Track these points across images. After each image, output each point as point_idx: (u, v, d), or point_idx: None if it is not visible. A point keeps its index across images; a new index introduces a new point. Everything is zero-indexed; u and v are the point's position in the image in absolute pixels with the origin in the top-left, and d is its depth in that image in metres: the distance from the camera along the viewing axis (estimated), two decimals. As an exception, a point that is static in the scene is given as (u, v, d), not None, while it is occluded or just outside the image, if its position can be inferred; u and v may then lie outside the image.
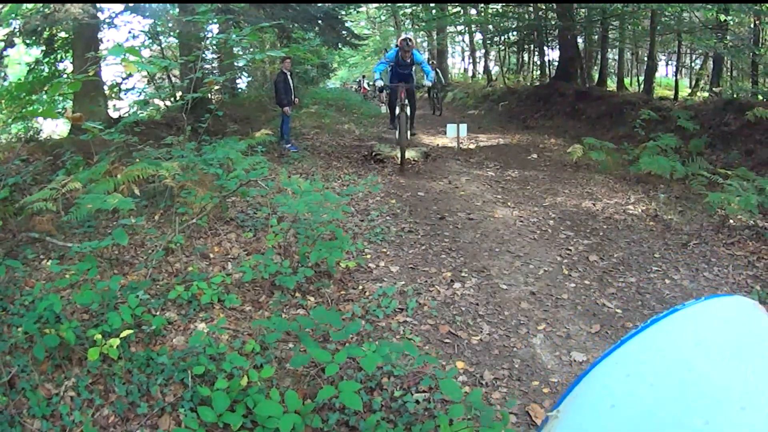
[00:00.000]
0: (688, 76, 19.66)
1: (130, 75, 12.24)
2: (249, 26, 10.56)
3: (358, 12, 27.28)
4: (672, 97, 14.10)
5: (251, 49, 16.07)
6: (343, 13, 14.51)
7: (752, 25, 12.96)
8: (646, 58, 16.43)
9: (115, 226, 5.17)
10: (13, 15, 10.46)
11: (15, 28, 10.39)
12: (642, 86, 15.99)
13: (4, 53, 10.58)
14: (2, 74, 11.80)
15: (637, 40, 18.12)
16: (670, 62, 22.44)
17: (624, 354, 1.03)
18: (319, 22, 12.98)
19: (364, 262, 5.28)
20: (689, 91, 16.07)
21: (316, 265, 4.77)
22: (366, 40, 28.00)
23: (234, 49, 9.97)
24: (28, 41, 11.42)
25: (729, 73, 14.80)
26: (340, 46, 15.85)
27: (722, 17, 11.94)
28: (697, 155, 9.01)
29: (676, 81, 15.30)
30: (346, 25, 15.02)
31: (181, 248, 4.95)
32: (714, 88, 12.96)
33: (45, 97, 11.91)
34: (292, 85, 11.30)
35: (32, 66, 12.88)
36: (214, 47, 11.74)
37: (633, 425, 0.91)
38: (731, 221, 6.27)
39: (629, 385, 0.98)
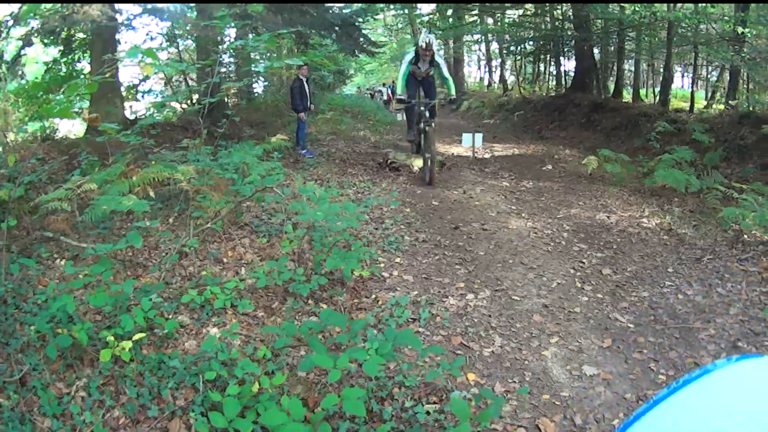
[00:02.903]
0: (705, 88, 19.57)
1: (147, 77, 12.36)
2: (267, 32, 10.70)
3: (375, 19, 27.38)
4: (688, 109, 14.04)
5: (269, 55, 16.16)
6: (360, 20, 14.54)
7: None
8: (662, 70, 16.34)
9: (130, 227, 5.24)
10: (32, 15, 10.61)
11: (33, 27, 10.51)
12: (658, 98, 15.93)
13: (22, 52, 10.67)
14: (20, 72, 11.89)
15: (654, 52, 18.08)
16: (686, 74, 22.41)
17: (654, 419, 1.03)
18: (337, 29, 13.03)
19: (377, 271, 5.30)
20: (705, 103, 15.98)
21: (329, 273, 4.80)
22: (383, 47, 28.04)
23: (251, 54, 10.01)
24: (46, 41, 11.57)
25: (745, 86, 14.72)
26: (356, 54, 15.89)
27: (740, 29, 11.87)
28: (713, 169, 8.93)
29: (692, 93, 15.23)
30: (363, 32, 15.05)
31: (194, 252, 4.99)
32: (730, 101, 12.90)
33: (62, 96, 12.06)
34: (308, 91, 11.34)
35: (50, 65, 13.07)
36: (232, 52, 11.82)
37: None
38: (746, 236, 6.22)
39: None
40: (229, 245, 5.51)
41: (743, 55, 12.19)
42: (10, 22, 10.14)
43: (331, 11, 13.09)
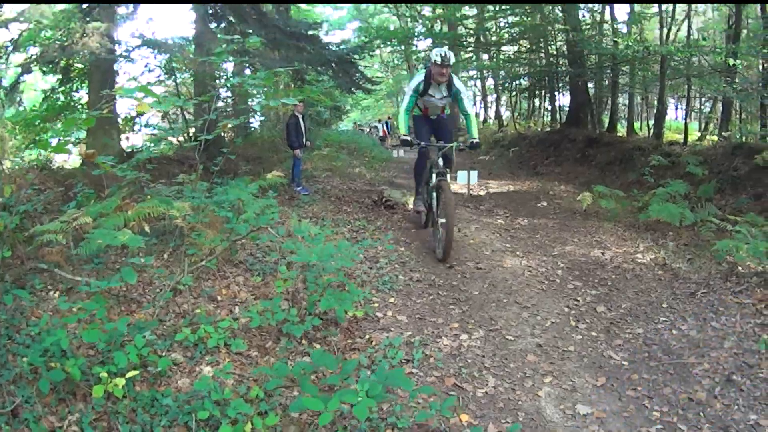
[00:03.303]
0: (698, 119, 19.80)
1: (143, 113, 12.47)
2: (263, 68, 10.86)
3: (371, 56, 27.79)
4: (682, 141, 14.23)
5: (265, 90, 16.37)
6: (357, 57, 14.73)
7: (761, 68, 13.09)
8: (656, 103, 16.56)
9: (124, 262, 5.25)
10: (32, 42, 10.77)
11: (32, 55, 10.64)
12: (652, 131, 16.12)
13: (21, 79, 10.75)
14: (18, 99, 11.96)
15: (647, 85, 18.35)
16: (679, 106, 22.65)
17: None
18: (333, 66, 13.19)
19: (371, 311, 5.30)
20: (699, 134, 16.19)
21: (323, 312, 4.81)
22: (379, 84, 28.35)
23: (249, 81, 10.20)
24: (44, 69, 11.64)
25: (738, 117, 14.89)
26: (353, 91, 16.06)
27: (730, 61, 12.08)
28: (707, 201, 9.00)
29: (686, 125, 15.46)
30: (360, 69, 15.23)
31: (189, 289, 5.00)
32: (723, 133, 13.04)
33: (59, 126, 12.15)
34: (304, 128, 11.46)
35: (48, 94, 13.16)
36: (229, 87, 11.96)
37: None
38: (740, 268, 6.23)
39: None
40: (224, 283, 5.52)
41: (735, 86, 12.36)
42: (10, 48, 10.30)
43: (328, 48, 13.27)
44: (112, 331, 3.63)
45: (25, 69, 10.21)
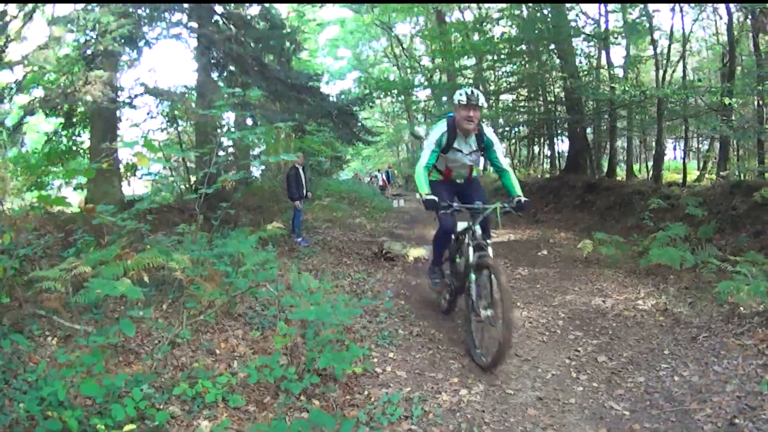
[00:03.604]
0: (696, 159, 19.92)
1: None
2: (263, 118, 11.03)
3: (371, 106, 28.22)
4: (681, 181, 14.26)
5: (266, 140, 16.51)
6: (357, 108, 14.93)
7: (756, 105, 13.24)
8: (654, 145, 16.69)
9: (123, 311, 5.27)
10: (35, 84, 10.95)
11: (36, 97, 10.78)
12: (651, 173, 16.19)
13: (24, 120, 10.87)
14: (20, 141, 12.06)
15: (645, 128, 18.50)
16: (678, 146, 22.82)
17: None
18: (333, 117, 13.37)
19: (370, 366, 5.27)
20: (698, 173, 16.26)
21: (322, 369, 4.78)
22: (379, 135, 28.63)
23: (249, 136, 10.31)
24: (47, 111, 11.73)
25: (736, 154, 15.00)
26: (353, 142, 16.23)
27: (726, 100, 12.23)
28: (707, 242, 9.00)
29: (684, 165, 15.56)
30: (360, 119, 15.43)
31: (187, 342, 4.99)
32: (721, 172, 13.14)
33: (60, 171, 12.26)
34: (304, 179, 11.55)
35: (50, 136, 13.34)
36: (230, 138, 12.11)
37: None
38: (741, 309, 6.18)
39: None
40: (222, 336, 5.49)
41: (731, 124, 12.49)
42: (14, 90, 10.47)
43: (328, 99, 13.48)
44: (110, 385, 3.62)
45: (29, 111, 10.31)
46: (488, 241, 5.54)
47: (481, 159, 6.19)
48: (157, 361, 4.53)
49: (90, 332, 4.49)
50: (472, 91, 5.44)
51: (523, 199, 5.54)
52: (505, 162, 5.94)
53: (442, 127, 5.73)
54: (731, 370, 4.84)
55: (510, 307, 4.76)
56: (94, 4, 10.23)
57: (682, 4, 15.33)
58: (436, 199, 5.29)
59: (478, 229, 5.58)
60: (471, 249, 5.49)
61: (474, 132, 5.72)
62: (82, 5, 10.28)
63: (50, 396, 3.47)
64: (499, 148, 5.88)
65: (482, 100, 5.52)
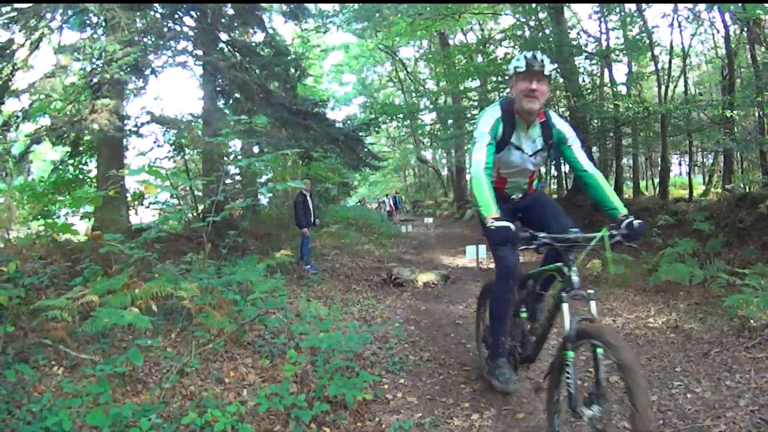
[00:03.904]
0: (702, 173, 19.93)
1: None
2: (271, 147, 11.09)
3: (377, 131, 28.41)
4: (687, 196, 14.27)
5: (272, 167, 16.57)
6: (363, 133, 15.00)
7: (757, 116, 13.26)
8: (659, 161, 16.72)
9: (131, 340, 5.28)
10: (42, 113, 11.07)
11: (42, 126, 10.86)
12: (657, 189, 16.21)
13: (31, 149, 10.94)
14: (27, 169, 12.14)
15: (650, 145, 18.51)
16: (683, 161, 22.82)
17: None
18: (340, 143, 13.44)
19: (381, 393, 5.26)
20: (703, 187, 16.28)
21: (333, 396, 4.78)
22: (386, 160, 28.70)
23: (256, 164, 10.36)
24: (54, 140, 11.80)
25: (740, 167, 15.01)
26: (360, 168, 16.26)
27: (727, 113, 12.27)
28: (715, 256, 8.98)
29: (690, 180, 15.60)
30: (367, 144, 15.49)
31: (196, 371, 4.98)
32: (726, 185, 13.15)
33: (67, 200, 12.32)
34: (311, 206, 11.61)
35: (57, 165, 13.44)
36: (237, 165, 12.17)
37: None
38: (752, 322, 6.15)
39: None
40: (231, 365, 5.49)
41: (734, 137, 12.51)
42: (20, 118, 10.59)
43: (334, 125, 13.55)
44: (117, 415, 3.62)
45: (35, 139, 10.39)
46: (590, 292, 3.58)
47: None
48: (165, 390, 4.53)
49: (97, 361, 4.50)
50: (534, 55, 3.81)
51: (636, 221, 3.65)
52: (588, 162, 4.14)
53: (494, 111, 4.09)
54: (744, 384, 4.82)
55: (645, 406, 2.85)
56: (100, 33, 10.43)
57: (680, 20, 15.48)
58: (511, 226, 3.34)
59: (575, 274, 3.60)
60: (565, 308, 3.54)
61: (539, 120, 4.14)
62: (88, 34, 10.49)
63: (55, 426, 3.45)
64: (576, 142, 4.20)
65: (549, 67, 3.83)
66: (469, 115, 23.24)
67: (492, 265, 10.59)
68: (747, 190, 12.09)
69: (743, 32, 13.74)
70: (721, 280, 7.58)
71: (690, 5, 15.15)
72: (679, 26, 15.86)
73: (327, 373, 5.01)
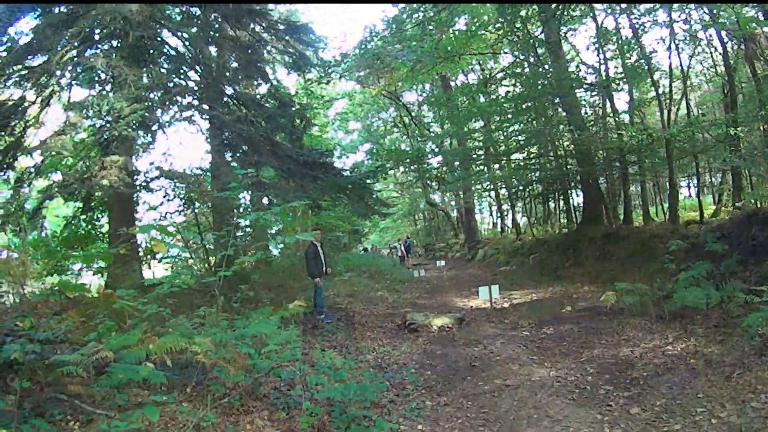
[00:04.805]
0: (711, 193, 19.82)
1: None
2: (279, 199, 11.13)
3: (385, 177, 28.39)
4: (698, 218, 14.14)
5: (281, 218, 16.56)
6: (370, 181, 15.00)
7: (762, 131, 13.22)
8: (667, 186, 16.66)
9: (146, 395, 5.22)
10: (53, 169, 11.15)
11: (54, 182, 10.96)
12: (667, 214, 16.10)
13: (43, 204, 10.97)
14: (40, 225, 12.13)
15: (656, 170, 18.44)
16: (691, 183, 22.70)
17: None
18: (347, 192, 13.44)
19: (399, 441, 5.19)
20: (714, 207, 16.17)
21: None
22: (394, 206, 28.74)
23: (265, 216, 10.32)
24: (65, 196, 11.86)
25: (749, 183, 14.91)
26: (369, 215, 16.23)
27: (731, 131, 12.25)
28: (730, 276, 8.84)
29: (700, 201, 15.49)
30: (375, 191, 15.48)
31: (212, 426, 4.92)
32: (737, 203, 13.03)
33: (80, 256, 12.32)
34: (322, 255, 11.57)
35: (69, 220, 13.42)
36: (246, 218, 12.16)
37: None
38: (773, 339, 6.05)
39: None
40: (248, 418, 5.41)
41: (740, 153, 12.46)
42: (33, 174, 10.67)
43: (341, 174, 13.58)
44: None
45: (48, 195, 10.46)
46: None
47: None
48: (181, 447, 4.49)
49: (112, 417, 4.47)
50: None
51: None
52: None
53: None
54: (770, 405, 4.72)
55: None
56: (108, 89, 10.61)
57: (677, 42, 15.59)
58: None
59: None
60: None
61: None
62: (97, 90, 10.68)
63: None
64: None
65: None
66: (475, 156, 23.38)
67: (506, 304, 10.53)
68: (758, 205, 11.99)
69: (741, 47, 13.81)
70: (738, 300, 7.46)
71: (685, 27, 15.28)
72: (677, 48, 15.96)
73: (343, 423, 4.96)
